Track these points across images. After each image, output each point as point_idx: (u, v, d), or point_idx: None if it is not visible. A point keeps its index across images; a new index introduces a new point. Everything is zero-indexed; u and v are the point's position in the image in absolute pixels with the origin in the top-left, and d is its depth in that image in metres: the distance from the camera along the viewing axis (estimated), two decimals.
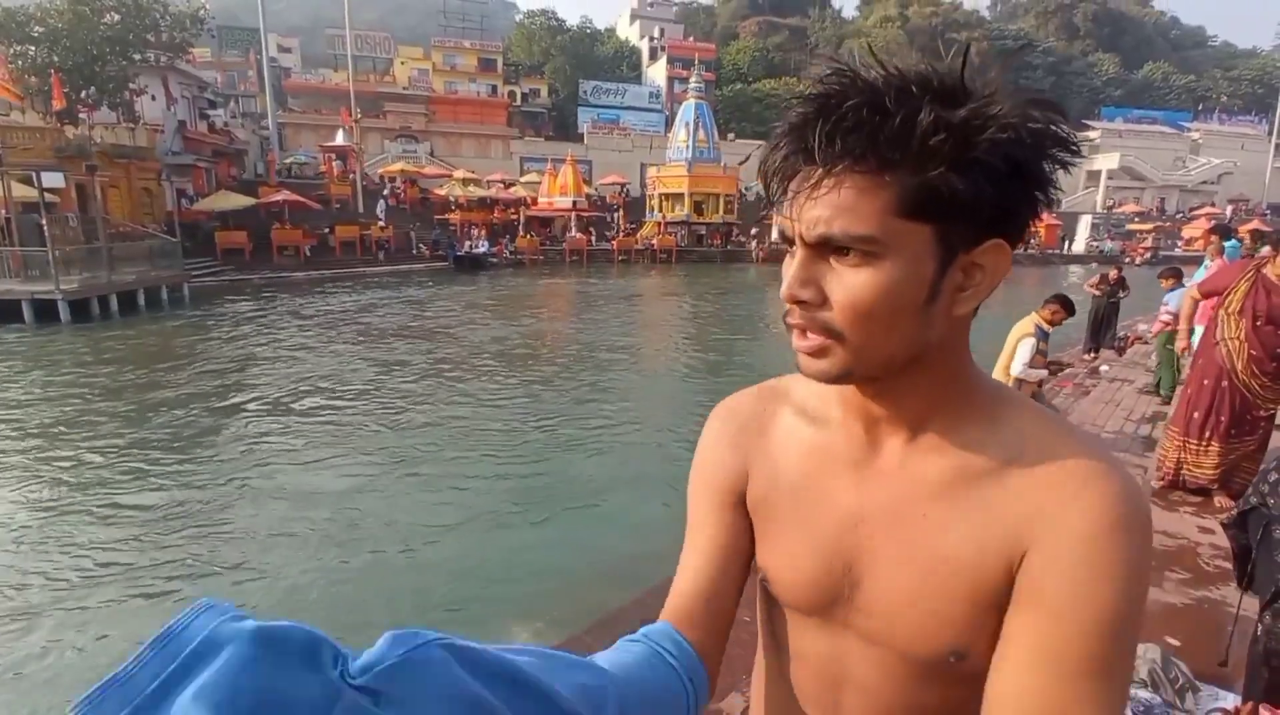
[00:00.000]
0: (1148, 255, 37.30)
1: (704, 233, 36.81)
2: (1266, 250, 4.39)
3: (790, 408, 0.81)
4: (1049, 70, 69.86)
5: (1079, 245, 44.18)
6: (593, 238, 34.82)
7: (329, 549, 5.36)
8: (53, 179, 18.23)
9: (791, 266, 0.64)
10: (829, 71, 0.61)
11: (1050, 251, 42.69)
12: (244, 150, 40.18)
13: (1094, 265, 38.04)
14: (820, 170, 0.59)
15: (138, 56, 28.99)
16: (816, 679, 0.79)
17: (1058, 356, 6.26)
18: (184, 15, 30.44)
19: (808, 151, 0.60)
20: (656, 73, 62.00)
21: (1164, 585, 3.43)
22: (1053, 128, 0.60)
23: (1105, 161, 56.35)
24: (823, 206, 0.60)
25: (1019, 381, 5.32)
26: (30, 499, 6.35)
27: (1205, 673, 2.68)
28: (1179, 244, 41.01)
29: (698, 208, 36.73)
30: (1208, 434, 4.41)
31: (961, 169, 0.58)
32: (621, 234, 35.85)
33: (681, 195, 36.62)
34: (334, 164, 35.44)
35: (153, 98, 31.22)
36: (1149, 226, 45.07)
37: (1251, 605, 2.57)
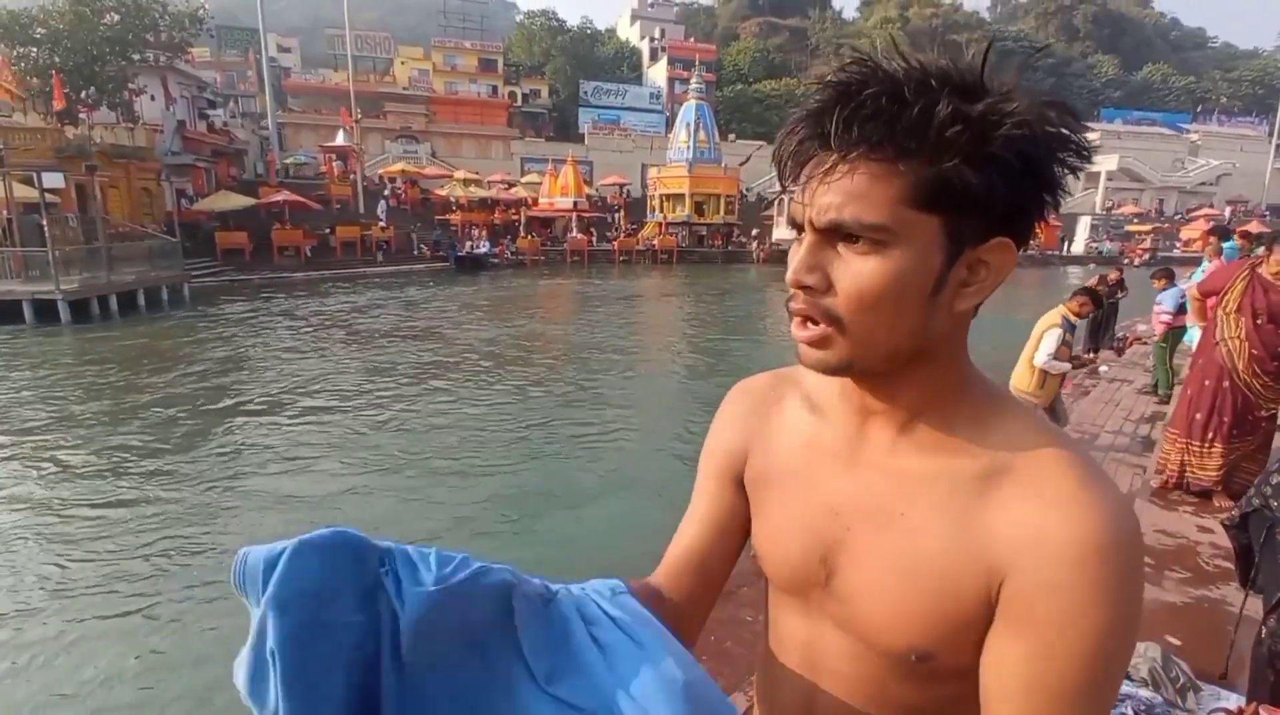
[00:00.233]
0: (1146, 256, 37.29)
1: (705, 233, 36.82)
2: (1261, 251, 4.39)
3: (798, 394, 0.83)
4: (1049, 71, 69.87)
5: (1078, 246, 44.17)
6: (594, 238, 34.84)
7: None
8: (53, 179, 18.23)
9: (799, 251, 0.64)
10: (849, 60, 0.61)
11: (1049, 252, 42.68)
12: (244, 150, 40.18)
13: (1092, 266, 38.08)
14: (835, 156, 0.60)
15: (137, 56, 29.00)
16: (797, 661, 0.81)
17: (1076, 353, 6.26)
18: (183, 15, 30.45)
19: (824, 137, 0.60)
20: (657, 73, 62.01)
21: (1164, 585, 3.43)
22: (1065, 130, 0.61)
23: (1104, 163, 56.28)
24: (835, 192, 0.60)
25: (1044, 373, 5.32)
26: (24, 497, 6.35)
27: (1206, 672, 2.68)
28: (1178, 245, 41.02)
29: (698, 208, 36.76)
30: (1210, 435, 4.40)
31: (976, 163, 0.58)
32: (622, 235, 35.88)
33: (682, 196, 36.64)
34: (334, 164, 35.45)
35: (152, 98, 31.21)
36: (1148, 228, 45.08)
37: (1253, 606, 2.57)
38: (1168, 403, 7.43)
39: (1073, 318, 5.34)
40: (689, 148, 36.48)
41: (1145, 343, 10.67)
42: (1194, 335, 5.07)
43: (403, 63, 56.01)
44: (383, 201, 32.89)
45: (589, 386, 10.53)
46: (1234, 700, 2.52)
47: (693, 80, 38.93)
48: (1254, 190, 54.72)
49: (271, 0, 41.48)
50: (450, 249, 30.20)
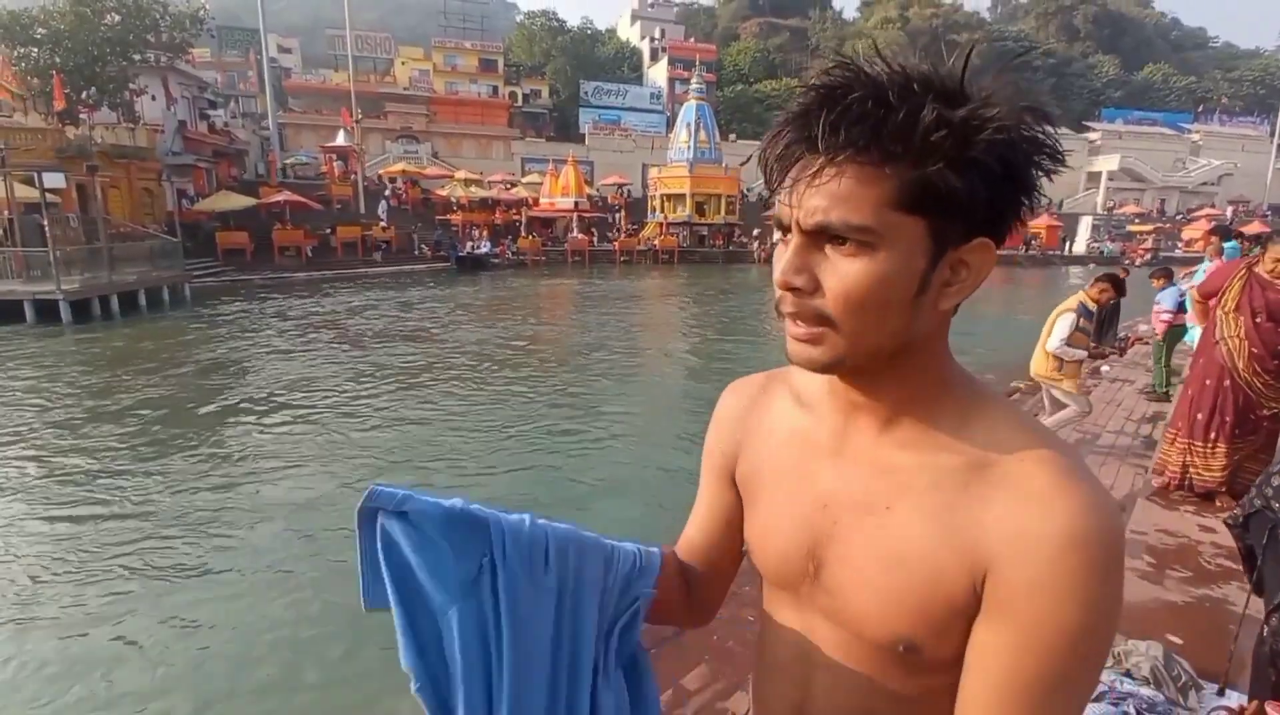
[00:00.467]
0: (1148, 256, 37.25)
1: (706, 233, 36.82)
2: (1259, 250, 4.40)
3: (788, 391, 0.86)
4: (1049, 72, 69.81)
5: (1080, 246, 44.14)
6: (594, 238, 34.83)
7: (306, 560, 5.33)
8: (54, 179, 18.23)
9: (786, 254, 0.65)
10: (833, 64, 0.62)
11: (1051, 252, 42.67)
12: (244, 150, 40.21)
13: (1092, 266, 38.04)
14: (822, 159, 0.61)
15: (138, 57, 29.01)
16: (790, 654, 0.83)
17: (1097, 344, 6.16)
18: (184, 15, 30.45)
19: (810, 140, 0.61)
20: (657, 74, 62.03)
21: (1166, 584, 3.43)
22: (1042, 135, 0.63)
23: (1105, 163, 56.34)
24: (822, 195, 0.61)
25: (1058, 360, 5.25)
26: (22, 497, 6.35)
27: (1208, 671, 2.68)
28: (1179, 245, 40.99)
29: (699, 208, 36.75)
30: (1213, 435, 4.38)
31: (959, 167, 0.60)
32: (623, 235, 35.87)
33: (683, 196, 36.62)
34: (335, 164, 35.46)
35: (153, 98, 31.24)
36: (1149, 228, 45.07)
37: (1255, 605, 2.57)
38: (1166, 401, 7.44)
39: (1091, 304, 5.26)
40: (689, 148, 36.48)
41: (1146, 343, 10.66)
42: (1195, 335, 5.06)
43: (403, 63, 56.01)
44: (383, 202, 32.89)
45: (587, 388, 10.50)
46: (1236, 699, 2.51)
47: (693, 80, 38.92)
48: (1256, 190, 54.70)
49: (272, 1, 41.51)
50: (451, 249, 30.20)
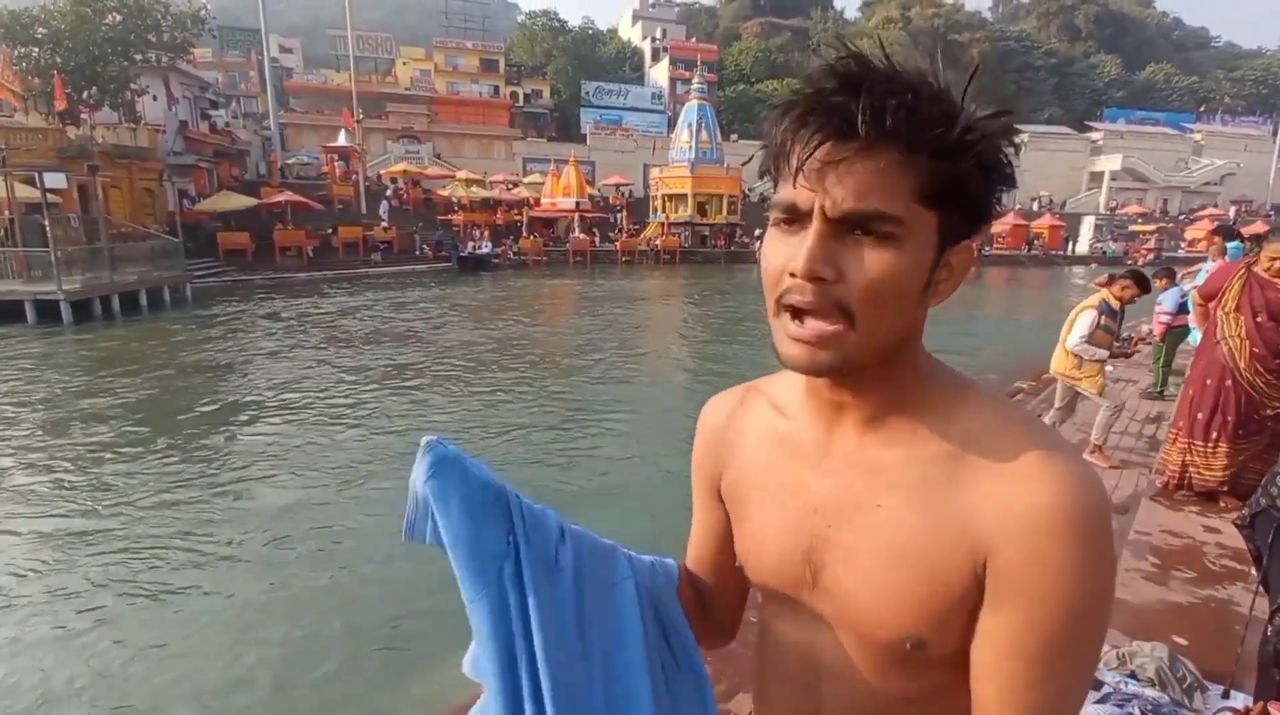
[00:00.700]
0: (1151, 256, 37.21)
1: (707, 233, 36.79)
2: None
3: (765, 401, 0.85)
4: (1051, 72, 69.76)
5: (1082, 246, 44.10)
6: (596, 238, 34.82)
7: (294, 562, 5.31)
8: (55, 179, 18.25)
9: (806, 242, 0.62)
10: (846, 54, 0.62)
11: (1054, 252, 42.64)
12: (246, 151, 40.25)
13: (1094, 266, 37.99)
14: (859, 144, 0.59)
15: (139, 57, 29.01)
16: (798, 663, 0.81)
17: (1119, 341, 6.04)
18: (185, 16, 30.47)
19: (844, 123, 0.59)
20: (659, 74, 62.01)
21: (1170, 585, 3.41)
22: (1010, 147, 0.64)
23: (1108, 163, 56.29)
24: (856, 181, 0.60)
25: (1078, 358, 5.15)
26: (21, 496, 6.34)
27: (1213, 672, 2.65)
28: (1182, 245, 40.91)
29: (701, 208, 36.73)
30: (1214, 434, 4.36)
31: (978, 168, 0.62)
32: (625, 235, 35.86)
33: (685, 196, 36.60)
34: (336, 164, 35.47)
35: (154, 98, 31.27)
36: (1152, 228, 44.99)
37: (1261, 606, 2.54)
38: (1165, 402, 7.41)
39: (1114, 302, 5.15)
40: (691, 148, 36.45)
41: (1149, 343, 10.63)
42: (1197, 335, 5.03)
43: (404, 63, 56.02)
44: (385, 202, 32.90)
45: (587, 390, 10.48)
46: (1241, 700, 2.49)
47: (694, 80, 38.91)
48: (1258, 190, 54.64)
49: (273, 1, 41.53)
50: (453, 249, 30.20)
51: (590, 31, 66.45)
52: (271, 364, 11.92)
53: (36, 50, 26.56)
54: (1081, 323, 5.09)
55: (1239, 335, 4.20)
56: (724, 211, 36.92)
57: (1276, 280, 4.08)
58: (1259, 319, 4.11)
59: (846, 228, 0.62)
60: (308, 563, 5.16)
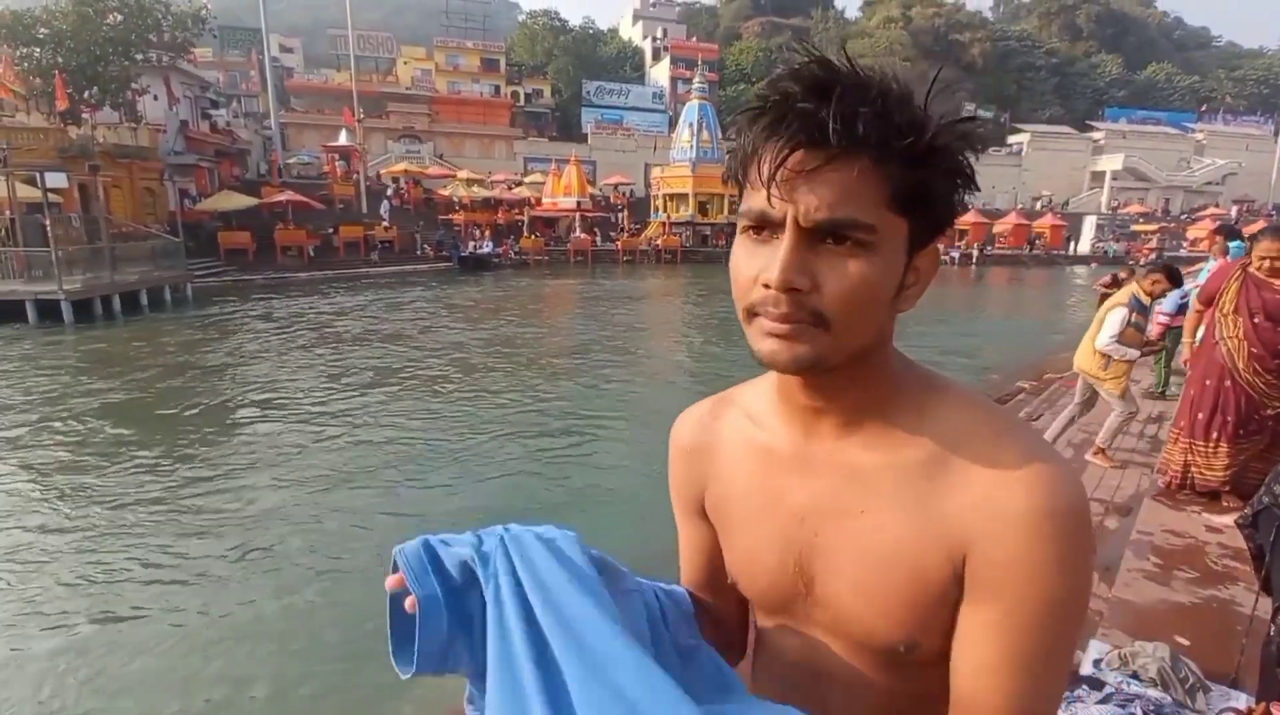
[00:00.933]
0: (1153, 256, 37.15)
1: (709, 233, 36.79)
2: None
3: (739, 413, 0.83)
4: (1052, 71, 69.69)
5: (1084, 246, 44.09)
6: (597, 238, 34.83)
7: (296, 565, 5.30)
8: (56, 179, 18.25)
9: (779, 252, 0.61)
10: (809, 59, 0.60)
11: (1055, 252, 42.61)
12: (247, 150, 40.23)
13: (1094, 265, 37.97)
14: (830, 152, 0.58)
15: (140, 57, 29.05)
16: (797, 677, 0.81)
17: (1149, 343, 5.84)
18: (186, 15, 30.50)
19: (815, 131, 0.58)
20: (659, 73, 61.99)
21: (1172, 585, 3.39)
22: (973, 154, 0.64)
23: (1109, 162, 56.27)
24: (829, 190, 0.59)
25: (1105, 358, 5.03)
26: (18, 494, 6.33)
27: (1215, 673, 2.64)
28: (1184, 245, 40.88)
29: (702, 208, 36.75)
30: (1215, 435, 4.35)
31: (946, 174, 0.62)
32: (626, 234, 35.86)
33: (686, 195, 36.62)
34: (337, 164, 35.46)
35: (155, 98, 31.29)
36: (1153, 227, 44.95)
37: (1264, 606, 2.53)
38: (1164, 399, 7.40)
39: (1144, 297, 4.99)
40: (692, 147, 36.46)
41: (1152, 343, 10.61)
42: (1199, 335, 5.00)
43: (405, 63, 56.04)
44: (386, 201, 32.90)
45: (585, 391, 10.45)
46: (1244, 700, 2.48)
47: (695, 80, 38.92)
48: (1260, 190, 54.58)
49: (274, 0, 41.53)
50: (454, 249, 30.21)
51: (591, 31, 66.44)
52: (271, 365, 11.92)
53: (38, 50, 26.59)
54: (1112, 321, 4.93)
55: (1237, 336, 4.19)
56: (725, 211, 36.88)
57: (1272, 280, 4.07)
58: (1256, 320, 4.10)
59: (819, 236, 0.61)
60: (308, 566, 5.16)
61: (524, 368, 11.78)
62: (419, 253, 30.85)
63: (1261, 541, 2.39)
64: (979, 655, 0.64)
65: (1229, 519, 3.88)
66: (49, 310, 15.50)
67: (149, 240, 21.05)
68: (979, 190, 0.66)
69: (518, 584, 0.66)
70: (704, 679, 0.79)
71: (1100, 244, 43.59)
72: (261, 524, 5.78)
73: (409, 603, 0.69)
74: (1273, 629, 2.30)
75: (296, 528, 5.69)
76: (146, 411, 9.10)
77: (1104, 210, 51.20)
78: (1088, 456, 5.44)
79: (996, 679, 0.63)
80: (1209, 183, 57.22)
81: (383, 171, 38.15)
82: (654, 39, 64.59)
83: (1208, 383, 4.37)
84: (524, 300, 21.67)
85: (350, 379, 10.71)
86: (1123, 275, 10.90)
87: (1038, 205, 51.69)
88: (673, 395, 10.67)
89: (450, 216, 34.10)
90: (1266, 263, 4.05)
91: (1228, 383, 4.27)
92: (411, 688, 3.77)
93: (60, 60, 26.40)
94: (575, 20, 69.85)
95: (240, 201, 28.37)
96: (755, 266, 0.63)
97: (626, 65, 63.87)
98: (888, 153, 0.59)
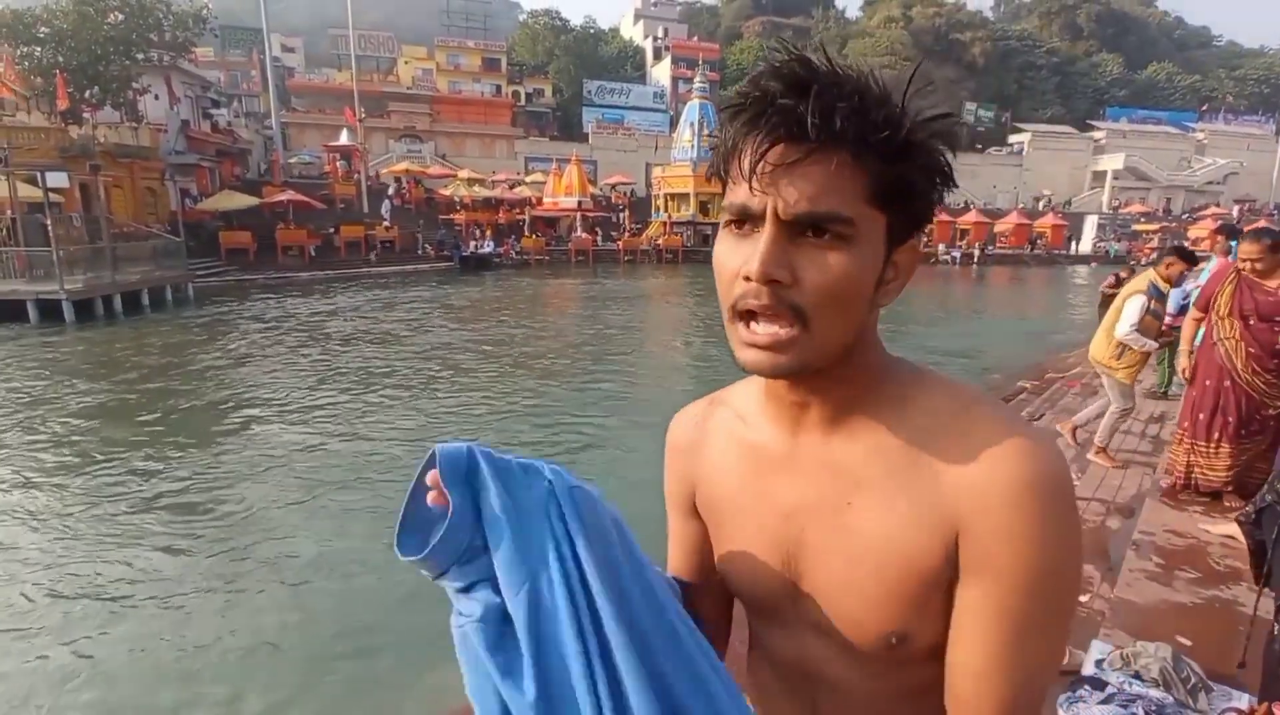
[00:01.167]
0: (1154, 256, 37.08)
1: (710, 233, 36.74)
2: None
3: (729, 413, 0.84)
4: (1053, 70, 69.64)
5: (1085, 245, 44.06)
6: (598, 238, 34.82)
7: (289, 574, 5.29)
8: (57, 179, 18.26)
9: (759, 245, 0.62)
10: (790, 57, 0.62)
11: (1056, 252, 42.60)
12: (248, 150, 40.26)
13: (1094, 265, 37.95)
14: (809, 146, 0.59)
15: (141, 56, 29.05)
16: (791, 675, 0.81)
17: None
18: (187, 15, 30.50)
19: (794, 125, 0.59)
20: (660, 73, 61.99)
21: (1175, 585, 3.39)
22: (951, 152, 0.66)
23: (1110, 162, 56.25)
24: (808, 183, 0.60)
25: (1120, 347, 4.95)
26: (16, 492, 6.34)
27: (1217, 672, 2.64)
28: (1185, 245, 40.75)
29: (703, 208, 36.71)
30: (1216, 435, 4.35)
31: (922, 169, 0.63)
32: (627, 234, 35.85)
33: (687, 195, 36.61)
34: (338, 164, 35.46)
35: (156, 97, 31.29)
36: (1155, 227, 44.93)
37: (1265, 606, 2.53)
38: (1166, 399, 7.39)
39: (1162, 284, 4.90)
40: (693, 147, 36.43)
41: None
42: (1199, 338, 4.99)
43: (406, 62, 56.08)
44: (387, 201, 32.90)
45: (581, 391, 10.44)
46: (1246, 700, 2.48)
47: (696, 79, 38.89)
48: (1261, 189, 54.55)
49: (274, 0, 41.53)
50: (455, 249, 30.21)
51: (592, 30, 66.46)
52: (271, 365, 11.91)
53: (39, 50, 26.59)
54: (1131, 309, 4.83)
55: (1234, 337, 4.22)
56: None
57: (1264, 282, 4.09)
58: (1250, 321, 4.13)
59: (799, 230, 0.62)
60: (309, 570, 5.16)
61: (523, 368, 11.78)
62: (420, 252, 30.84)
63: (1263, 538, 2.40)
64: (973, 627, 0.65)
65: (1227, 527, 3.88)
66: (50, 310, 15.51)
67: (150, 240, 21.06)
68: (957, 187, 0.66)
69: (570, 538, 0.67)
70: None
71: (1101, 243, 43.57)
72: (260, 525, 5.78)
73: (431, 497, 0.69)
74: (1276, 628, 2.30)
75: (299, 527, 5.70)
76: (147, 411, 9.09)
77: (1105, 210, 51.18)
78: (1089, 456, 5.44)
79: (991, 649, 0.64)
80: (1210, 182, 57.19)
81: (384, 171, 38.15)
82: (655, 38, 64.60)
83: (1208, 383, 4.38)
84: (524, 300, 21.66)
85: (350, 379, 10.70)
86: (1124, 274, 10.92)
87: (1039, 205, 51.67)
88: (672, 396, 10.65)
89: (451, 216, 34.10)
90: (1248, 264, 4.08)
91: (1227, 383, 4.28)
92: (412, 686, 3.78)
93: (61, 59, 26.41)
94: (576, 20, 70.00)
95: (241, 201, 28.38)
96: (738, 260, 0.64)
97: (627, 65, 63.87)
98: (865, 147, 0.60)
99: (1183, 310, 7.20)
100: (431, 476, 0.68)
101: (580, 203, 34.70)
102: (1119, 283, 10.83)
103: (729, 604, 0.92)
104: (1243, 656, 2.65)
